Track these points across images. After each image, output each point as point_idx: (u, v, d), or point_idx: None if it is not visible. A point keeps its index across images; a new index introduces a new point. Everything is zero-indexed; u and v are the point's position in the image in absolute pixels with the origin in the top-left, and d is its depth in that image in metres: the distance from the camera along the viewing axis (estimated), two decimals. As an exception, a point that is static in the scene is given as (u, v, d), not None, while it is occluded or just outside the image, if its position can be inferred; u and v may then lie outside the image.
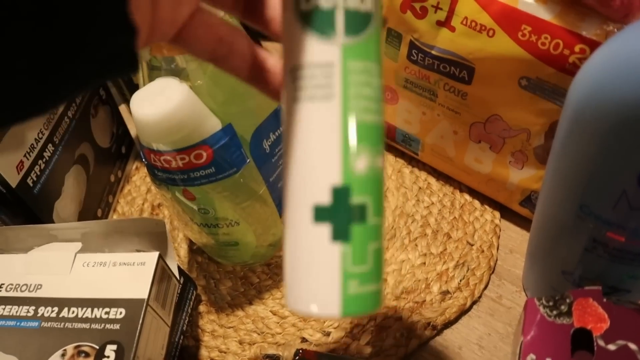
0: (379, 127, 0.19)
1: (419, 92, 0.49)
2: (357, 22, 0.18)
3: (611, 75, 0.29)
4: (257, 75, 0.24)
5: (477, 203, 0.53)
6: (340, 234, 0.17)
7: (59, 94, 0.16)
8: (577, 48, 0.38)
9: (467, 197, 0.53)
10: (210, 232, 0.46)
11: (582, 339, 0.36)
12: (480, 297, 0.47)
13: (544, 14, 0.39)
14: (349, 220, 0.17)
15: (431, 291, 0.47)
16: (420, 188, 0.55)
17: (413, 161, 0.57)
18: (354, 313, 0.18)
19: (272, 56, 0.24)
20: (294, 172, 0.18)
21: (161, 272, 0.41)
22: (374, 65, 0.18)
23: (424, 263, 0.49)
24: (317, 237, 0.18)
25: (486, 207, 0.52)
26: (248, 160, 0.42)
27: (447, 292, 0.47)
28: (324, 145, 0.17)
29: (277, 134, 0.44)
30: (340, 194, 0.17)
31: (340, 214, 0.17)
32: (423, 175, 0.56)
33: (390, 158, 0.58)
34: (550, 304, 0.37)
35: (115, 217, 0.57)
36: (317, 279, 0.18)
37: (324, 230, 0.17)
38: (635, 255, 0.36)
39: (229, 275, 0.50)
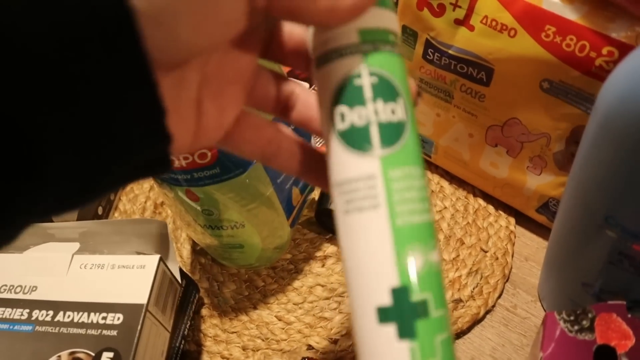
0: (428, 225, 0.20)
1: (433, 92, 0.47)
2: (392, 133, 0.19)
3: (622, 80, 0.28)
4: (309, 169, 0.24)
5: (491, 208, 0.51)
6: (405, 332, 0.18)
7: (95, 195, 0.16)
8: (604, 50, 0.36)
9: (481, 201, 0.51)
10: (214, 234, 0.44)
11: (605, 356, 0.35)
12: (494, 306, 0.45)
13: (570, 14, 0.37)
14: (412, 317, 0.18)
15: (442, 300, 0.45)
16: (432, 191, 0.53)
17: (426, 163, 0.55)
18: None
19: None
20: (354, 279, 0.19)
21: (162, 276, 0.40)
22: (414, 169, 0.19)
23: (435, 270, 0.47)
24: (384, 337, 0.18)
25: (501, 212, 0.51)
26: (255, 161, 0.40)
27: (460, 300, 0.45)
28: (378, 250, 0.19)
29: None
30: (400, 293, 0.18)
31: (403, 312, 0.18)
32: (436, 178, 0.54)
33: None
34: (571, 318, 0.36)
35: (117, 215, 0.55)
36: None
37: (390, 330, 0.18)
38: (663, 269, 0.34)
39: (233, 277, 0.49)
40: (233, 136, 0.22)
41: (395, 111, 0.19)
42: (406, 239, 0.19)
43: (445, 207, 0.51)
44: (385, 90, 0.19)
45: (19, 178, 0.14)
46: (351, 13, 0.18)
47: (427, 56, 0.45)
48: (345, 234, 0.20)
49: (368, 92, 0.19)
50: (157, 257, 0.39)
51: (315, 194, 0.51)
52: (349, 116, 0.19)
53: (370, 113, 0.19)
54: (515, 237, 0.49)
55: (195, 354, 0.44)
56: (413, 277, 0.18)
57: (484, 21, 0.40)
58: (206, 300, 0.48)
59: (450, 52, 0.43)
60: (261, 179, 0.41)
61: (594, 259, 0.37)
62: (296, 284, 0.48)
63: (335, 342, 0.44)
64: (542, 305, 0.45)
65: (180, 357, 0.43)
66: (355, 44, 0.19)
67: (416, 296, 0.18)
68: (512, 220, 0.50)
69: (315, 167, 0.24)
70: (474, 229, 0.49)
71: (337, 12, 0.17)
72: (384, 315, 0.18)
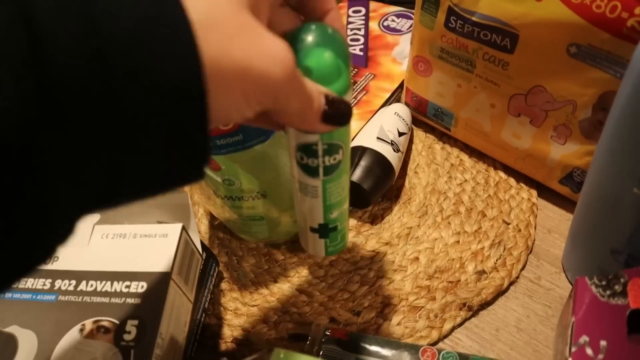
0: (343, 200, 0.36)
1: (455, 62, 0.46)
2: (331, 169, 0.33)
3: None
4: None
5: (512, 181, 0.50)
6: (322, 236, 0.38)
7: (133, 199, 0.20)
8: (637, 10, 0.35)
9: (502, 174, 0.51)
10: (234, 206, 0.43)
11: (638, 320, 0.34)
12: (517, 277, 0.45)
13: (602, -27, 0.36)
14: (326, 232, 0.37)
15: (466, 271, 0.45)
16: (452, 165, 0.52)
17: (444, 137, 0.55)
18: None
19: None
20: (305, 219, 0.37)
21: (184, 245, 0.39)
22: (341, 181, 0.34)
23: (458, 242, 0.47)
24: (314, 237, 0.38)
25: (522, 185, 0.50)
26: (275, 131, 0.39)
27: (483, 271, 0.45)
28: (317, 211, 0.36)
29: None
30: (322, 224, 0.37)
31: (324, 230, 0.37)
32: (455, 151, 0.53)
33: (420, 134, 0.55)
34: (603, 283, 0.35)
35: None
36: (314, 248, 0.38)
37: (317, 235, 0.38)
38: (698, 233, 0.33)
39: (252, 252, 0.48)
40: None
41: (336, 158, 0.32)
42: (329, 208, 0.35)
43: (466, 180, 0.51)
44: (332, 149, 0.32)
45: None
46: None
47: (449, 24, 0.44)
48: (301, 203, 0.36)
49: (320, 152, 0.31)
50: (179, 225, 0.38)
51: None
52: (306, 159, 0.32)
53: (320, 162, 0.32)
54: (537, 209, 0.49)
55: (216, 327, 0.44)
56: (330, 219, 0.36)
57: (510, -15, 0.40)
58: (225, 275, 0.47)
59: (473, 19, 0.42)
60: (284, 148, 0.40)
61: (625, 225, 0.36)
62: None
63: (357, 314, 0.43)
64: (567, 277, 0.45)
65: (201, 330, 0.43)
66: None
67: (328, 225, 0.37)
68: (534, 192, 0.49)
69: None
70: (496, 202, 0.49)
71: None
72: (314, 230, 0.37)
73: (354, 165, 0.47)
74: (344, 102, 0.27)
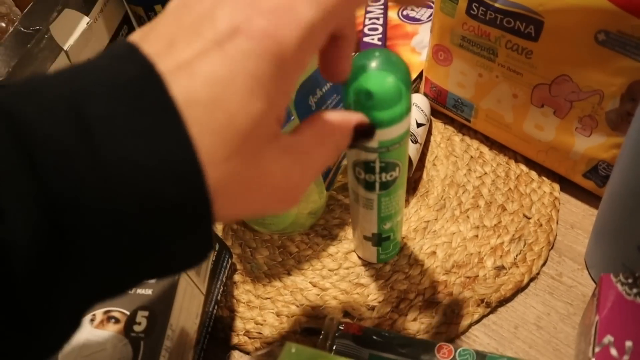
0: (396, 212, 0.39)
1: (476, 51, 0.45)
2: (387, 185, 0.36)
3: None
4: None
5: (534, 174, 0.49)
6: (375, 244, 0.42)
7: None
8: (670, -6, 0.33)
9: (524, 167, 0.49)
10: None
11: (666, 321, 0.32)
12: (538, 274, 0.43)
13: (633, -45, 0.34)
14: (379, 241, 0.41)
15: (485, 266, 0.43)
16: (472, 157, 0.51)
17: (464, 129, 0.53)
18: None
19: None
20: (361, 227, 0.41)
21: (197, 236, 0.38)
22: (397, 195, 0.37)
23: (477, 236, 0.45)
24: (368, 245, 0.42)
25: (544, 178, 0.48)
26: (292, 118, 0.38)
27: (502, 267, 0.43)
28: (372, 221, 0.39)
29: (324, 89, 0.41)
30: (375, 234, 0.40)
31: (377, 239, 0.41)
32: (475, 143, 0.52)
33: (439, 125, 0.54)
34: (630, 281, 0.34)
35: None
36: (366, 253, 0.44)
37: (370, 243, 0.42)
38: None
39: (266, 244, 0.47)
40: None
41: (392, 175, 0.35)
42: (383, 219, 0.39)
43: (486, 173, 0.49)
44: (388, 167, 0.34)
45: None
46: None
47: (471, 11, 0.43)
48: (356, 212, 0.40)
49: (377, 169, 0.34)
50: (191, 215, 0.37)
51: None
52: (363, 175, 0.35)
53: (377, 178, 0.35)
54: (560, 203, 0.47)
55: (228, 319, 0.43)
56: (380, 230, 0.40)
57: (535, -30, 0.38)
58: (239, 267, 0.46)
59: (496, 5, 0.41)
60: (298, 137, 0.39)
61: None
62: (331, 249, 0.46)
63: (372, 308, 0.42)
64: (590, 274, 0.43)
65: (213, 322, 0.42)
66: (375, 148, 0.33)
67: (382, 235, 0.41)
68: (557, 186, 0.48)
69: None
70: (516, 195, 0.47)
71: None
72: (367, 238, 0.41)
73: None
74: (368, 129, 0.29)
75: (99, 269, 0.17)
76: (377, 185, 0.36)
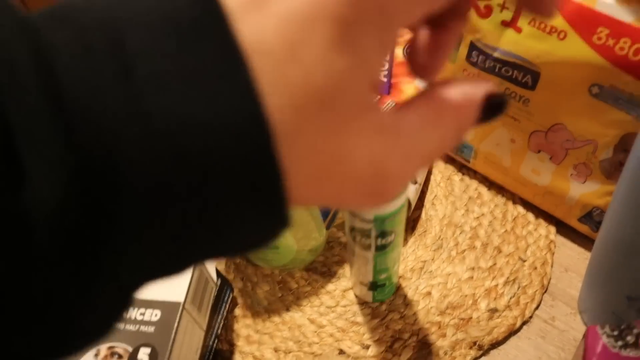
0: (392, 266, 0.41)
1: (475, 96, 0.46)
2: (382, 247, 0.37)
3: None
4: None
5: (531, 216, 0.50)
6: (371, 289, 0.44)
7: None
8: (660, 55, 0.34)
9: (521, 209, 0.50)
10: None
11: (652, 374, 0.33)
12: (531, 317, 0.44)
13: (625, 16, 0.36)
14: (374, 287, 0.43)
15: (478, 308, 0.44)
16: (470, 197, 0.52)
17: (464, 169, 0.54)
18: None
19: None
20: (357, 274, 0.42)
21: (198, 275, 0.39)
22: (393, 254, 0.39)
23: (472, 277, 0.46)
24: (364, 289, 0.44)
25: (541, 221, 0.49)
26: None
27: (496, 309, 0.44)
28: (367, 271, 0.41)
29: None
30: (371, 282, 0.42)
31: (373, 286, 0.43)
32: (474, 184, 0.53)
33: (439, 164, 0.55)
34: (615, 333, 0.34)
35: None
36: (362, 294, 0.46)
37: (365, 287, 0.44)
38: None
39: (267, 279, 0.48)
40: None
41: (388, 239, 0.37)
42: (379, 272, 0.41)
43: (483, 214, 0.50)
44: (384, 234, 0.36)
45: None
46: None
47: (471, 58, 0.44)
48: (353, 263, 0.41)
49: (373, 235, 0.36)
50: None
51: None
52: (359, 239, 0.37)
53: (372, 242, 0.37)
54: (555, 246, 0.48)
55: (227, 353, 0.44)
56: (376, 279, 0.41)
57: (533, 23, 0.39)
58: (240, 301, 0.47)
59: (495, 54, 0.42)
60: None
61: (642, 272, 0.35)
62: (329, 287, 0.47)
63: (367, 347, 0.43)
64: (583, 319, 0.44)
65: (213, 355, 0.43)
66: (370, 219, 0.35)
67: (377, 283, 0.42)
68: (553, 229, 0.49)
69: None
70: (513, 237, 0.48)
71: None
72: (363, 284, 0.43)
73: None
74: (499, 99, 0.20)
75: (140, 247, 0.14)
76: (373, 248, 0.37)
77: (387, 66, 0.61)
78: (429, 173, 0.54)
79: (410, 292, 0.46)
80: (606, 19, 0.36)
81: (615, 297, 0.39)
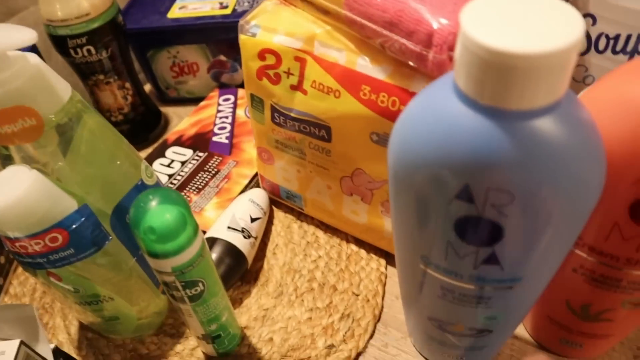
0: (221, 317, 0.44)
1: (289, 151, 0.50)
2: (196, 297, 0.40)
3: (396, 136, 0.31)
4: None
5: (363, 252, 0.54)
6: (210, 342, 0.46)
7: None
8: (408, 104, 0.39)
9: (354, 247, 0.54)
10: (89, 309, 0.46)
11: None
12: (365, 347, 0.48)
13: (379, 74, 0.41)
14: (212, 340, 0.45)
15: (317, 346, 0.47)
16: (308, 242, 0.55)
17: (302, 216, 0.58)
18: None
19: None
20: (190, 328, 0.44)
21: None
22: (210, 303, 0.42)
23: (310, 318, 0.49)
24: (203, 342, 0.46)
25: (372, 255, 0.53)
26: (110, 238, 0.42)
27: (332, 345, 0.47)
28: (194, 324, 0.43)
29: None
30: (204, 333, 0.44)
31: (208, 339, 0.45)
32: (311, 229, 0.57)
33: (280, 214, 0.58)
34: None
35: (7, 299, 0.56)
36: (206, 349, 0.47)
37: (204, 341, 0.46)
38: (479, 299, 0.37)
39: (119, 349, 0.50)
40: None
41: (197, 289, 0.39)
42: (206, 323, 0.42)
43: (320, 257, 0.54)
44: (190, 284, 0.38)
45: None
46: None
47: (275, 120, 0.48)
48: (181, 316, 0.43)
49: (179, 287, 0.38)
50: (17, 342, 0.40)
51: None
52: (171, 291, 0.39)
53: (182, 294, 0.39)
54: (386, 277, 0.52)
55: None
56: (208, 331, 0.43)
57: (314, 85, 0.44)
58: (92, 375, 0.49)
59: (292, 115, 0.47)
60: (120, 254, 0.43)
61: (427, 295, 0.39)
62: (178, 347, 0.49)
63: (215, 401, 0.45)
64: (412, 341, 0.48)
65: None
66: (169, 272, 0.37)
67: (211, 334, 0.44)
68: (383, 261, 0.53)
69: None
70: (347, 275, 0.52)
71: None
72: (199, 337, 0.45)
73: (205, 256, 0.50)
74: None
75: None
76: (186, 299, 0.40)
77: (229, 129, 0.65)
78: (270, 224, 0.58)
79: (254, 341, 0.48)
80: (366, 78, 0.41)
81: (421, 319, 0.43)
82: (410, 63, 0.38)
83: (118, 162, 0.44)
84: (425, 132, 0.30)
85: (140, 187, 0.45)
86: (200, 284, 0.39)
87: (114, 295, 0.44)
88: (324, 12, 0.42)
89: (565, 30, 0.23)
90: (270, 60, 0.45)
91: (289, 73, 0.45)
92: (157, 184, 0.47)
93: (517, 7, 0.25)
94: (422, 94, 0.31)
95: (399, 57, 0.39)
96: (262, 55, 0.46)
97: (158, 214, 0.36)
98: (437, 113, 0.29)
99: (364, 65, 0.41)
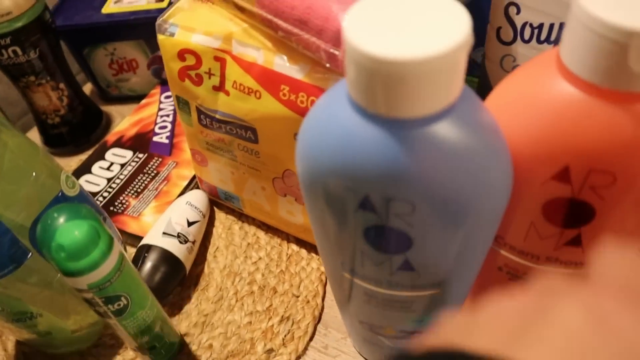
0: (152, 328, 0.42)
1: (221, 153, 0.49)
2: (120, 312, 0.39)
3: (299, 145, 0.30)
4: None
5: (304, 252, 0.53)
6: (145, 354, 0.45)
7: None
8: (326, 105, 0.38)
9: (295, 247, 0.53)
10: (19, 326, 0.44)
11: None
12: (306, 349, 0.47)
13: (297, 73, 0.39)
14: (147, 351, 0.44)
15: (256, 351, 0.46)
16: (249, 244, 0.54)
17: (243, 216, 0.57)
18: None
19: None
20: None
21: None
22: (138, 316, 0.41)
23: (250, 322, 0.48)
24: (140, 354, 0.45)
25: (313, 255, 0.52)
26: (30, 254, 0.41)
27: (272, 350, 0.46)
28: (125, 336, 0.42)
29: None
30: (139, 347, 0.43)
31: (143, 350, 0.44)
32: (252, 230, 0.55)
33: (221, 216, 0.57)
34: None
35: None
36: None
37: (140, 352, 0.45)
38: (403, 303, 0.36)
39: (56, 363, 0.49)
40: None
41: (120, 304, 0.38)
42: (136, 335, 0.41)
43: (260, 258, 0.53)
44: (111, 300, 0.37)
45: None
46: None
47: (202, 121, 0.47)
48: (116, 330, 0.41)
49: (100, 303, 0.37)
50: None
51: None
52: (94, 307, 0.38)
53: (105, 309, 0.38)
54: (326, 277, 0.51)
55: None
56: (141, 343, 0.42)
57: (235, 86, 0.43)
58: (28, 391, 0.48)
59: (217, 116, 0.45)
60: (42, 269, 0.42)
61: (354, 300, 0.39)
62: (117, 358, 0.48)
63: (152, 413, 0.44)
64: (352, 341, 0.47)
65: None
66: (86, 289, 0.36)
67: (145, 346, 0.43)
68: (324, 260, 0.52)
69: None
70: (287, 276, 0.51)
71: None
72: (135, 349, 0.44)
73: (139, 265, 0.48)
74: None
75: None
76: (110, 314, 0.38)
77: (170, 128, 0.63)
78: (210, 226, 0.56)
79: (194, 348, 0.48)
80: (284, 78, 0.40)
81: (353, 321, 0.42)
82: (324, 62, 0.37)
83: (34, 174, 0.42)
84: (321, 143, 0.28)
85: (61, 199, 0.43)
86: (122, 299, 0.38)
87: (42, 311, 0.43)
88: (240, 9, 0.41)
89: (451, 30, 0.22)
90: (191, 60, 0.44)
91: (210, 74, 0.43)
92: (81, 194, 0.45)
93: (402, 9, 0.23)
94: (319, 102, 0.30)
95: (314, 56, 0.38)
96: (181, 55, 0.44)
97: (67, 231, 0.34)
98: (331, 123, 0.28)
99: (282, 64, 0.40)
